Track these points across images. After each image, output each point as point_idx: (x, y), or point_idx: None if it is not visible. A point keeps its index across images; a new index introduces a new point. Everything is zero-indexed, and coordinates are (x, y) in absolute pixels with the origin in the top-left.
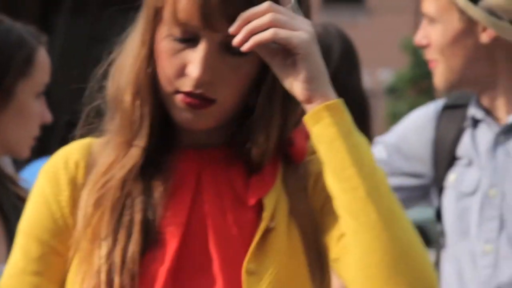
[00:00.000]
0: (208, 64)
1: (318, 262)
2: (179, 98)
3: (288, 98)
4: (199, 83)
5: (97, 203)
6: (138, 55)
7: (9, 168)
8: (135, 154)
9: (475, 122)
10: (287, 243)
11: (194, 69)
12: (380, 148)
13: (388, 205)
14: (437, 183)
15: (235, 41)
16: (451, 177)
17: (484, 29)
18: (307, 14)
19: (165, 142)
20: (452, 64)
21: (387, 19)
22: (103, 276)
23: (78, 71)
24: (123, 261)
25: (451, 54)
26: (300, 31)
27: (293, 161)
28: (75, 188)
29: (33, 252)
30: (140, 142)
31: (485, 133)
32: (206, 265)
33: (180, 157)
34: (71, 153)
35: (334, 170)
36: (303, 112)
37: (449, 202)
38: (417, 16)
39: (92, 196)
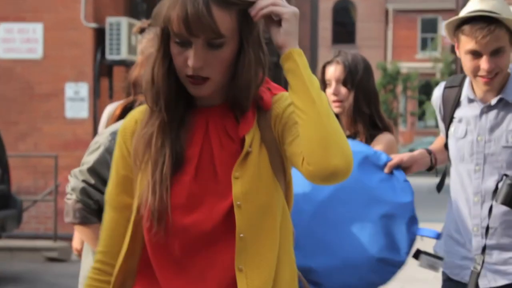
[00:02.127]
0: (198, 56)
1: (281, 166)
2: (187, 80)
3: (257, 70)
4: (195, 69)
5: (144, 146)
6: (154, 56)
7: None
8: (158, 116)
9: (469, 99)
10: (259, 159)
11: (190, 61)
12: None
13: (326, 108)
14: (445, 131)
15: (252, 13)
16: (451, 129)
17: None
18: None
19: (186, 105)
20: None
21: None
22: (150, 188)
23: None
24: (161, 178)
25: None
26: (287, 7)
27: (263, 109)
28: (134, 136)
29: (114, 181)
30: (162, 107)
31: (475, 106)
32: (213, 174)
33: (196, 114)
34: (134, 115)
35: (296, 86)
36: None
37: (451, 143)
38: None
39: (138, 142)
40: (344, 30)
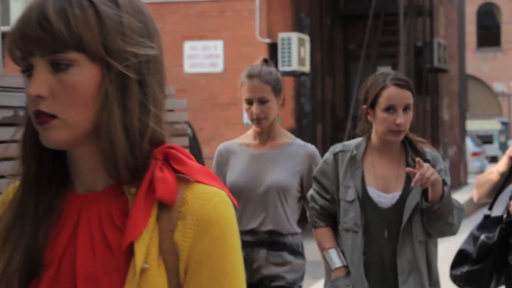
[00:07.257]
0: (39, 81)
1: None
2: (35, 122)
3: (127, 113)
4: (34, 99)
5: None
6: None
7: None
8: (20, 196)
9: None
10: (158, 279)
11: (28, 88)
12: None
13: None
14: None
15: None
16: None
17: None
18: None
19: (59, 187)
20: None
21: None
22: None
23: None
24: (8, 279)
25: None
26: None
27: (166, 204)
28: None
29: None
30: (23, 185)
31: None
32: None
33: (71, 199)
34: (9, 187)
35: None
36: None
37: None
38: None
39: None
40: (489, 33)
